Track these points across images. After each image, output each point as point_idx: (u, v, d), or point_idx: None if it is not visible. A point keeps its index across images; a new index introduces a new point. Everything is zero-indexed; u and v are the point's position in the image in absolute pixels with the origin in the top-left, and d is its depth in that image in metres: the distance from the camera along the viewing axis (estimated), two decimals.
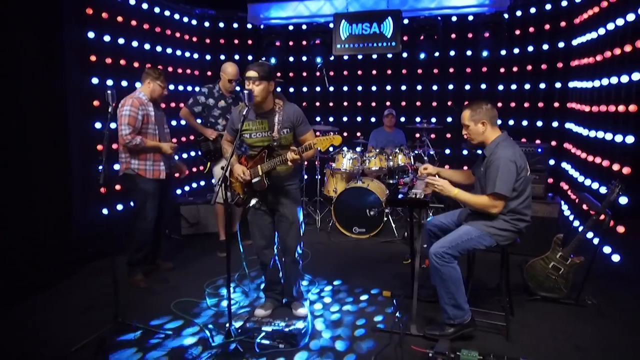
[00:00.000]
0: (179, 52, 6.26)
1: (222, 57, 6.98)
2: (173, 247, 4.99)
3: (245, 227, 3.60)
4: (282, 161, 3.12)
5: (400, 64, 7.09)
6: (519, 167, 2.99)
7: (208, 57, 6.95)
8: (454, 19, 6.61)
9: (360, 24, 6.19)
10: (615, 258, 4.18)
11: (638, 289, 3.83)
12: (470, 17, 6.48)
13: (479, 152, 3.32)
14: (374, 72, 7.28)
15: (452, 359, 2.68)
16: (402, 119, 7.05)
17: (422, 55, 6.77)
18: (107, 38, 4.88)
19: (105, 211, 4.81)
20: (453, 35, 6.74)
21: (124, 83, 5.09)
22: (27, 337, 3.16)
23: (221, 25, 7.06)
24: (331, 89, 7.27)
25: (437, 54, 6.74)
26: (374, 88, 7.34)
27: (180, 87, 6.26)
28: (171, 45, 6.07)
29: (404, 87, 7.19)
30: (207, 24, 6.94)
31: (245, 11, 6.84)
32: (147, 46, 5.56)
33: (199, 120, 4.70)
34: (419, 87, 7.11)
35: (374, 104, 7.35)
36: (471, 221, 3.17)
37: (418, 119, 6.56)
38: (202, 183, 6.80)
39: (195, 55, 6.67)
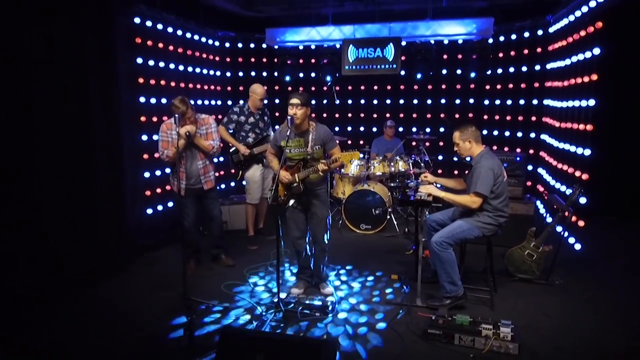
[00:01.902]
0: (205, 71, 6.97)
1: (240, 73, 7.72)
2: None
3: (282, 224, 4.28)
4: (314, 171, 3.89)
5: (398, 80, 7.78)
6: (495, 174, 3.79)
7: (228, 73, 7.66)
8: (446, 42, 7.29)
9: (366, 49, 6.92)
10: (577, 247, 4.91)
11: (595, 272, 4.58)
12: (460, 42, 7.18)
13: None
14: (376, 87, 7.99)
15: (450, 321, 3.42)
16: (400, 129, 7.71)
17: (419, 75, 7.43)
18: (151, 62, 5.61)
19: (149, 211, 5.59)
20: (445, 57, 7.46)
21: (164, 100, 5.79)
22: (110, 310, 3.88)
23: (240, 45, 7.76)
24: (337, 102, 8.02)
25: (431, 72, 7.41)
26: (375, 101, 8.05)
27: (207, 102, 7.00)
28: (198, 65, 6.78)
29: (402, 101, 7.91)
30: (227, 44, 7.63)
31: (261, 32, 7.57)
32: (181, 67, 6.29)
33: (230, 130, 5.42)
34: (415, 101, 7.84)
35: (375, 115, 8.06)
36: (463, 217, 3.96)
37: (414, 129, 7.36)
38: (223, 186, 7.52)
39: (218, 73, 7.38)
